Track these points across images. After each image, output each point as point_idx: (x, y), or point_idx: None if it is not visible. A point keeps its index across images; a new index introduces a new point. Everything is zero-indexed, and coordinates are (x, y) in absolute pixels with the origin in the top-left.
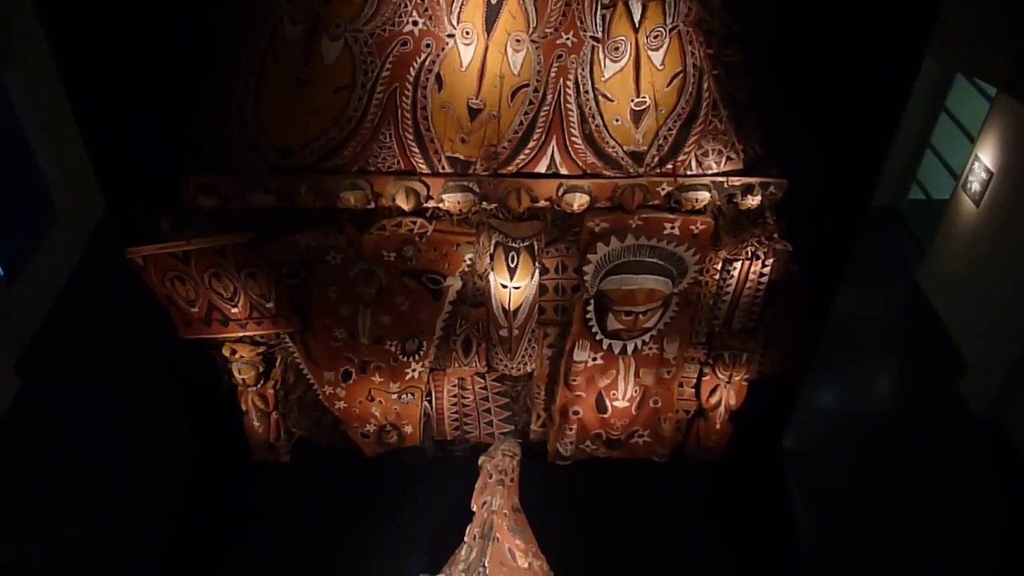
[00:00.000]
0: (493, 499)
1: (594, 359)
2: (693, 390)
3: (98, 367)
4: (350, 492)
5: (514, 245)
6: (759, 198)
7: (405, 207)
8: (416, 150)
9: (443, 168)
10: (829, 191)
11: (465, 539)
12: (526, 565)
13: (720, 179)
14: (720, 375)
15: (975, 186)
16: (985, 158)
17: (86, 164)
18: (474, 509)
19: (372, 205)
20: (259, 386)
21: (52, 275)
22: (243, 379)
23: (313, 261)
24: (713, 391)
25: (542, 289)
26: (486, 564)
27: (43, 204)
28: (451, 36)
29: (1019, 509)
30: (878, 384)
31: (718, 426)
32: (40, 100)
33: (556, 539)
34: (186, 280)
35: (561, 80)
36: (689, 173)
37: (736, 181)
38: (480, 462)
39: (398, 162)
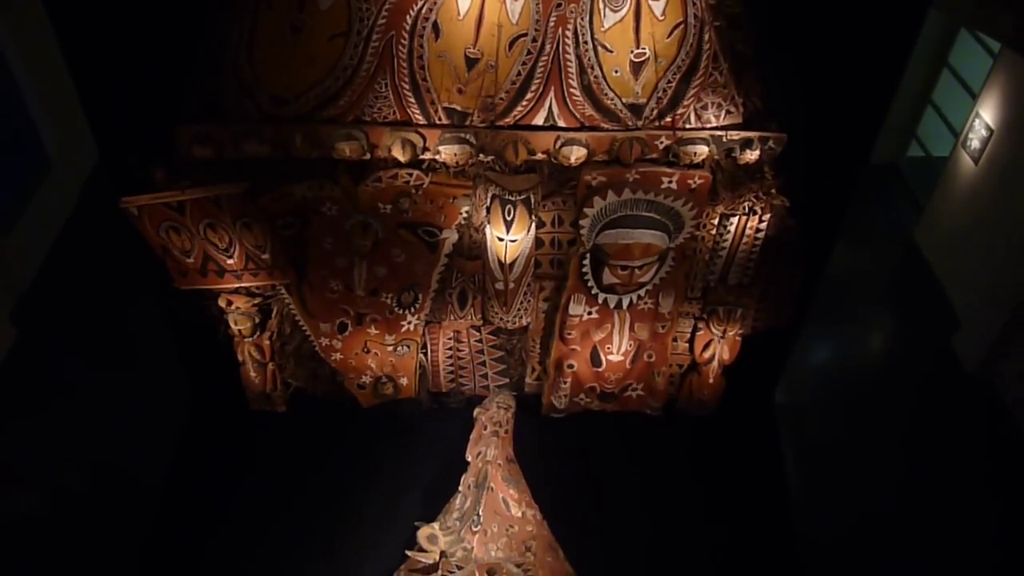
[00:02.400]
0: (488, 450)
1: (589, 313)
2: (687, 344)
3: (94, 317)
4: (347, 442)
5: (511, 198)
6: (758, 153)
7: (401, 158)
8: (412, 100)
9: (439, 119)
10: (828, 147)
11: (460, 488)
12: (519, 514)
13: (719, 133)
14: (714, 330)
15: (975, 144)
16: (986, 115)
17: (79, 113)
18: (469, 460)
19: (368, 156)
20: (255, 337)
21: (46, 225)
22: (239, 330)
23: (309, 212)
24: (707, 346)
25: (538, 243)
26: (480, 512)
27: (36, 154)
28: None
29: (1007, 464)
30: (871, 340)
31: (711, 380)
32: (32, 48)
33: (549, 489)
34: (181, 230)
35: (560, 30)
36: (688, 127)
37: (735, 135)
38: (475, 414)
39: (394, 112)
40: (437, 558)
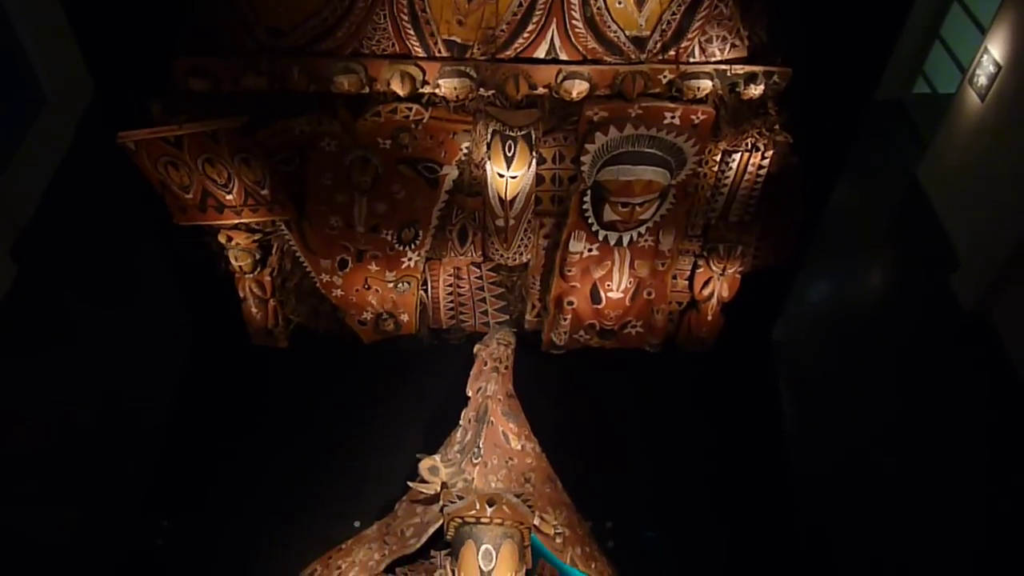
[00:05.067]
0: (488, 385)
1: (589, 250)
2: (686, 282)
3: (95, 253)
4: (348, 378)
5: (511, 134)
6: (762, 87)
7: (400, 92)
8: (411, 32)
9: (439, 52)
10: (832, 82)
11: (460, 422)
12: (519, 447)
13: (723, 67)
14: (714, 267)
15: (982, 80)
16: (994, 51)
17: (74, 46)
18: (469, 394)
19: (366, 90)
20: (256, 273)
21: (43, 161)
22: (240, 266)
23: (307, 147)
24: (706, 283)
25: (539, 179)
26: (480, 445)
27: (31, 88)
28: None
29: (1002, 403)
30: (870, 278)
31: (709, 317)
32: None
33: (548, 424)
34: (179, 165)
35: None
36: (692, 60)
37: (739, 69)
38: (475, 350)
39: (393, 45)
40: (438, 489)
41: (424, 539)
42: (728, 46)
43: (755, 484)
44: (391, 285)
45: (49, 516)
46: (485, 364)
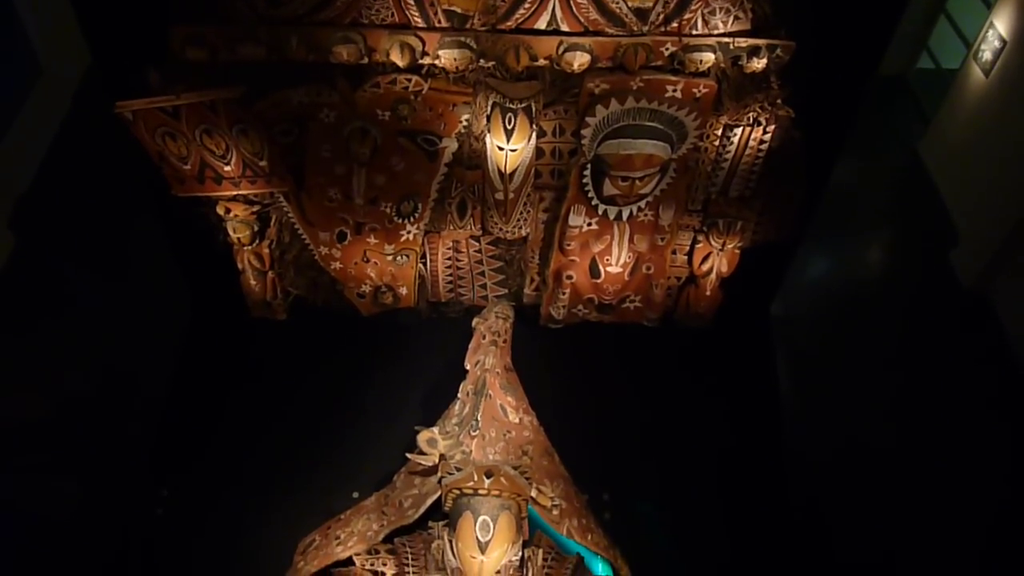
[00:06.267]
0: (486, 358)
1: (589, 224)
2: (686, 257)
3: (93, 224)
4: (347, 351)
5: (511, 106)
6: (765, 61)
7: (400, 63)
8: (411, 2)
9: (439, 22)
10: (836, 57)
11: (459, 395)
12: (517, 420)
13: (726, 40)
14: (713, 243)
15: (987, 55)
16: (1000, 26)
17: (70, 15)
18: (467, 368)
19: (365, 60)
20: (254, 245)
21: (40, 130)
22: (238, 238)
23: (306, 118)
24: (705, 258)
25: (539, 152)
26: (478, 418)
27: (27, 57)
28: None
29: (1000, 380)
30: (869, 254)
31: (708, 293)
32: None
33: (546, 397)
34: (177, 136)
35: None
36: (694, 32)
37: (742, 42)
38: (474, 324)
39: (392, 15)
40: (436, 461)
41: (422, 510)
42: (731, 18)
43: (751, 458)
44: (390, 258)
45: (49, 487)
46: (483, 337)
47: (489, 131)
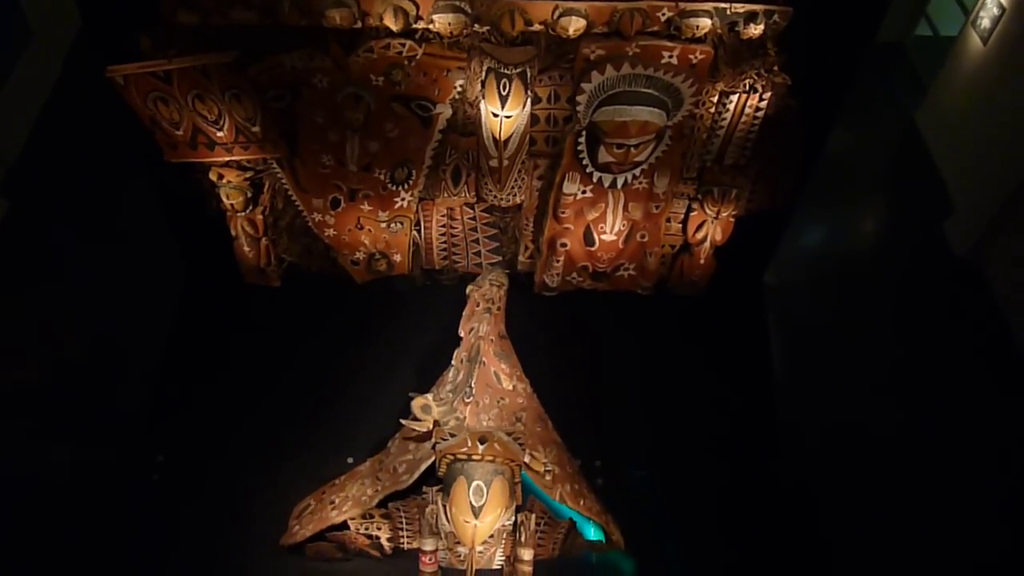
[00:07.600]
0: (480, 326)
1: (583, 192)
2: (680, 225)
3: (86, 189)
4: (341, 318)
5: (506, 72)
6: (762, 27)
7: (393, 27)
8: None
9: None
10: (833, 23)
11: (453, 362)
12: (510, 387)
13: (723, 5)
14: (708, 211)
15: (985, 22)
16: None
17: None
18: (462, 335)
19: (359, 25)
20: (248, 212)
21: (30, 95)
22: (231, 204)
23: (299, 84)
24: (700, 226)
25: (533, 119)
26: (472, 385)
27: (16, 22)
28: None
29: (992, 349)
30: (863, 223)
31: (702, 261)
32: None
33: (540, 364)
34: (169, 101)
35: None
36: None
37: (739, 8)
38: (468, 291)
39: None
40: (431, 426)
41: (416, 475)
42: None
43: (743, 425)
44: (384, 225)
45: (43, 453)
46: (478, 305)
47: (483, 97)
